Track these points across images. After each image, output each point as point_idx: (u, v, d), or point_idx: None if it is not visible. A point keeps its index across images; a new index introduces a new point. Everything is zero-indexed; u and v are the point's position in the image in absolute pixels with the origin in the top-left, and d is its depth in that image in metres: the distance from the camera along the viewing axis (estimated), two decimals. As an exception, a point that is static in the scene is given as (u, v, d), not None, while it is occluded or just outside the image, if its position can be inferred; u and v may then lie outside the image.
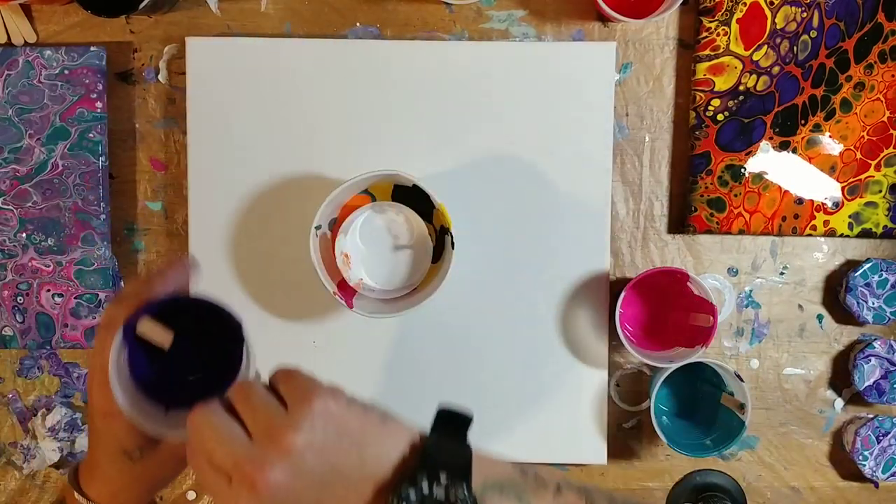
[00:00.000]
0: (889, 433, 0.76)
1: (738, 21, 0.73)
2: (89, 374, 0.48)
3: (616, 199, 0.76)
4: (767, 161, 0.74)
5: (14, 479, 0.78)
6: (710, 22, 0.73)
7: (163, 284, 0.48)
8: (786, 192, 0.74)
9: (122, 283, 0.75)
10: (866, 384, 0.75)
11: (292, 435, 0.40)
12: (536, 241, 0.75)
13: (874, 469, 0.76)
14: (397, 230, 0.72)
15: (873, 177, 0.74)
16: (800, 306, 0.77)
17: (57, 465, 0.77)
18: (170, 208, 0.76)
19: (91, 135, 0.73)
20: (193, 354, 0.47)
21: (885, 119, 0.74)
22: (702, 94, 0.74)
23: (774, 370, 0.78)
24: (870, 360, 0.75)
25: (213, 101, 0.74)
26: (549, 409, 0.75)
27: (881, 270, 0.75)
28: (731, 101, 0.73)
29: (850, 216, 0.74)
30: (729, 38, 0.73)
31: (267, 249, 0.75)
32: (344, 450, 0.41)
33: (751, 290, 0.77)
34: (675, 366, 0.70)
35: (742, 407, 0.71)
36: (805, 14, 0.73)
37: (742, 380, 0.71)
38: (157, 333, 0.46)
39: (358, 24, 0.75)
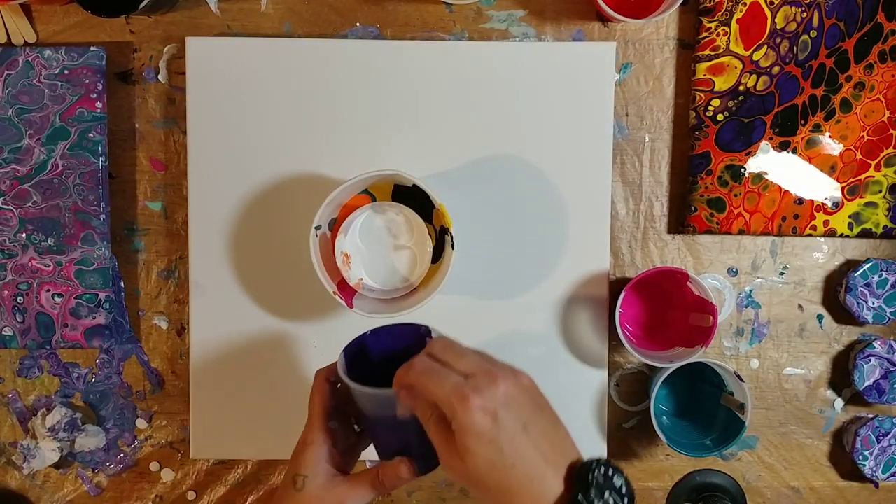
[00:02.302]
0: (889, 433, 0.76)
1: (738, 21, 0.73)
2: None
3: (616, 199, 0.76)
4: (767, 161, 0.74)
5: (14, 479, 0.78)
6: (710, 22, 0.73)
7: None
8: (786, 192, 0.74)
9: (121, 282, 0.75)
10: (866, 384, 0.75)
11: (501, 382, 0.50)
12: (536, 242, 0.75)
13: (874, 469, 0.76)
14: (397, 230, 0.72)
15: (873, 177, 0.74)
16: (800, 306, 0.77)
17: (57, 465, 0.77)
18: (170, 208, 0.76)
19: (91, 135, 0.73)
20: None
21: (885, 119, 0.74)
22: (702, 94, 0.74)
23: (774, 370, 0.78)
24: (870, 360, 0.75)
25: (213, 101, 0.74)
26: (549, 409, 0.75)
27: (881, 270, 0.75)
28: (731, 101, 0.73)
29: (850, 216, 0.74)
30: (729, 38, 0.73)
31: (267, 249, 0.75)
32: (535, 418, 0.51)
33: (751, 290, 0.77)
34: (675, 366, 0.70)
35: (742, 407, 0.71)
36: (805, 14, 0.73)
37: (742, 380, 0.71)
38: None
39: (358, 24, 0.75)
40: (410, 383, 0.52)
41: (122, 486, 0.78)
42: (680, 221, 0.76)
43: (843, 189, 0.74)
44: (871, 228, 0.75)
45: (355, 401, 0.58)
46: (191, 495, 0.78)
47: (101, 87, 0.73)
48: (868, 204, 0.74)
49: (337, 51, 0.74)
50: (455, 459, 0.50)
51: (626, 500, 0.50)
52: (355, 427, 0.62)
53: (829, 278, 0.77)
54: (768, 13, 0.73)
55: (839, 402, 0.78)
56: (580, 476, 0.50)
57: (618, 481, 0.50)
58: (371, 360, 0.60)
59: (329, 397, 0.59)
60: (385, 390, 0.54)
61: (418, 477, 0.58)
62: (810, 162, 0.74)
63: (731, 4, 0.72)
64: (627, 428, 0.78)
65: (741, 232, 0.74)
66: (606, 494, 0.49)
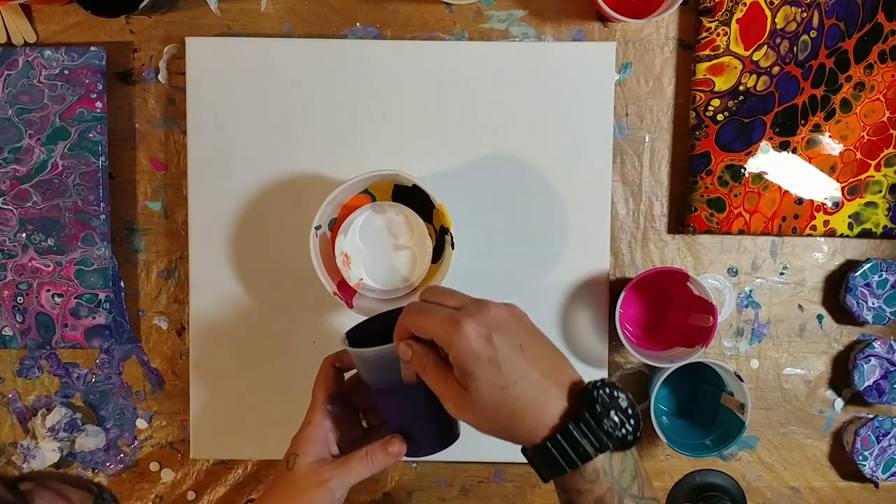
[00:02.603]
0: (889, 433, 0.76)
1: (738, 21, 0.73)
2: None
3: (616, 199, 0.76)
4: (767, 161, 0.74)
5: (14, 479, 0.78)
6: (710, 22, 0.73)
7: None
8: (786, 192, 0.74)
9: (121, 282, 0.75)
10: (866, 384, 0.75)
11: (492, 308, 0.51)
12: (536, 242, 0.75)
13: (874, 469, 0.76)
14: (397, 230, 0.72)
15: (873, 177, 0.74)
16: (800, 306, 0.77)
17: (57, 465, 0.77)
18: (170, 208, 0.76)
19: (91, 135, 0.73)
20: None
21: (885, 119, 0.73)
22: (702, 94, 0.74)
23: (774, 370, 0.78)
24: (870, 360, 0.75)
25: (213, 101, 0.74)
26: (549, 409, 0.75)
27: (881, 270, 0.75)
28: (731, 101, 0.73)
29: (850, 216, 0.74)
30: (729, 38, 0.73)
31: (267, 249, 0.75)
32: (531, 340, 0.51)
33: (751, 290, 0.77)
34: (675, 366, 0.70)
35: (742, 407, 0.71)
36: (805, 14, 0.73)
37: (742, 380, 0.71)
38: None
39: (358, 24, 0.75)
40: (406, 326, 0.53)
41: (122, 486, 0.78)
42: (680, 221, 0.76)
43: (843, 189, 0.74)
44: (871, 228, 0.75)
45: (361, 375, 0.59)
46: (191, 495, 0.78)
47: (101, 87, 0.73)
48: (868, 204, 0.74)
49: (337, 51, 0.74)
50: (457, 393, 0.50)
51: (631, 421, 0.50)
52: (363, 423, 0.63)
53: (829, 278, 0.77)
54: (768, 13, 0.73)
55: (839, 402, 0.78)
56: (585, 394, 0.50)
57: (623, 402, 0.50)
58: (370, 341, 0.61)
59: (332, 382, 0.60)
60: (385, 347, 0.55)
61: (416, 456, 0.58)
62: (810, 162, 0.74)
63: (731, 4, 0.72)
64: (627, 428, 0.78)
65: (741, 232, 0.74)
66: (612, 413, 0.49)
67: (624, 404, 0.50)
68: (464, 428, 0.77)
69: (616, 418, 0.49)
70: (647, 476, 0.52)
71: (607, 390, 0.50)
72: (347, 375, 0.63)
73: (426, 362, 0.52)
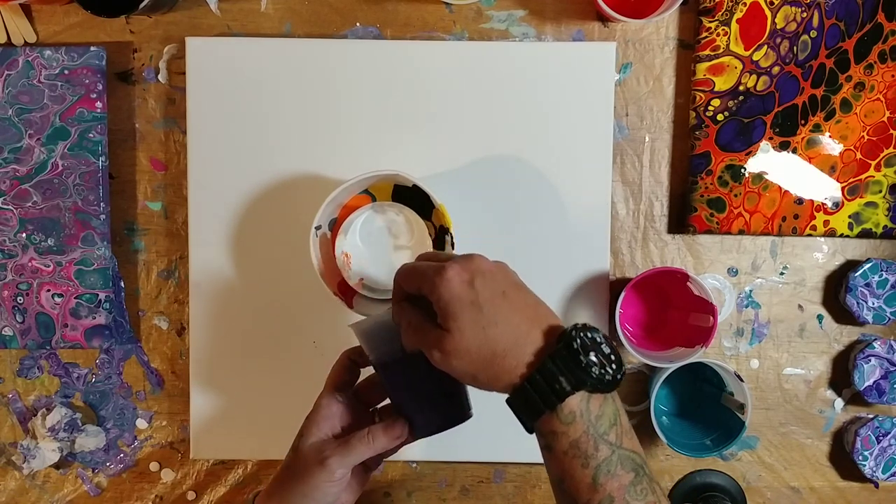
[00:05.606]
0: (889, 433, 0.76)
1: (738, 21, 0.73)
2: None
3: (616, 199, 0.76)
4: (767, 161, 0.74)
5: (14, 479, 0.78)
6: (710, 22, 0.73)
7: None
8: (786, 192, 0.74)
9: (121, 282, 0.75)
10: (866, 384, 0.75)
11: (478, 258, 0.52)
12: (536, 242, 0.75)
13: (874, 469, 0.76)
14: (397, 230, 0.72)
15: (873, 177, 0.74)
16: (800, 306, 0.77)
17: (57, 466, 0.77)
18: (170, 208, 0.76)
19: (91, 135, 0.73)
20: None
21: (885, 119, 0.74)
22: (702, 94, 0.74)
23: (774, 370, 0.78)
24: (870, 360, 0.75)
25: (213, 101, 0.74)
26: (549, 409, 0.75)
27: (881, 270, 0.75)
28: (731, 101, 0.73)
29: (850, 216, 0.74)
30: (729, 38, 0.73)
31: (267, 249, 0.75)
32: (515, 290, 0.52)
33: (751, 290, 0.77)
34: (675, 366, 0.70)
35: (742, 407, 0.71)
36: (805, 14, 0.73)
37: (742, 380, 0.71)
38: None
39: (358, 24, 0.75)
40: (399, 284, 0.54)
41: (122, 486, 0.78)
42: (680, 221, 0.76)
43: (843, 189, 0.74)
44: (871, 228, 0.75)
45: (367, 353, 0.60)
46: (191, 495, 0.78)
47: (101, 87, 0.73)
48: (868, 204, 0.74)
49: (337, 51, 0.74)
50: (440, 336, 0.51)
51: (613, 365, 0.50)
52: (376, 419, 0.63)
53: (829, 278, 0.77)
54: (768, 13, 0.73)
55: (839, 402, 0.78)
56: (564, 335, 0.50)
57: (605, 347, 0.50)
58: None
59: (344, 370, 0.61)
60: (383, 314, 0.57)
61: (425, 434, 0.58)
62: (810, 162, 0.74)
63: (731, 4, 0.72)
64: (627, 428, 0.78)
65: (741, 232, 0.74)
66: (591, 354, 0.49)
67: (606, 350, 0.50)
68: (464, 429, 0.77)
69: (595, 358, 0.49)
70: (630, 429, 0.51)
71: (588, 334, 0.50)
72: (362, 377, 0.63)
73: (411, 315, 0.53)
